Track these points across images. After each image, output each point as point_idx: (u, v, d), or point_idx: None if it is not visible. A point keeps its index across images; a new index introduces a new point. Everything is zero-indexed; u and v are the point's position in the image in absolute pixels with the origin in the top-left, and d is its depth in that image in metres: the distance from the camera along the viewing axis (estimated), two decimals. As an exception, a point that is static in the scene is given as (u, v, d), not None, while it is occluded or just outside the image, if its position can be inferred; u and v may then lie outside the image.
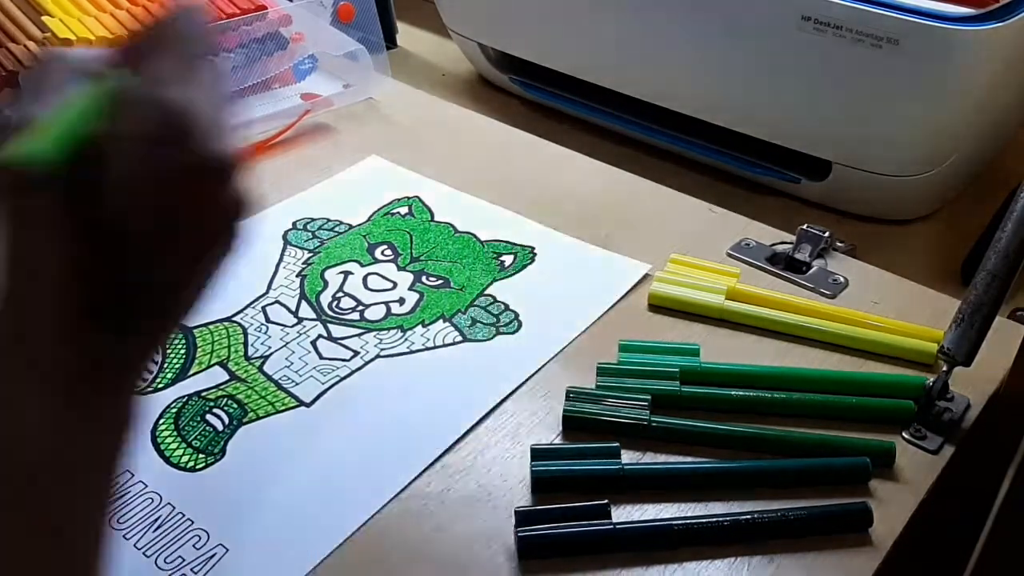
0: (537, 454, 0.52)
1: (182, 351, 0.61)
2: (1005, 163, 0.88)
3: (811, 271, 0.67)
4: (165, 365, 0.60)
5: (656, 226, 0.72)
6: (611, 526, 0.48)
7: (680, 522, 0.48)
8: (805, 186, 0.82)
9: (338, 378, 0.59)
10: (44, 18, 0.80)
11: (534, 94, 0.97)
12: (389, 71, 0.90)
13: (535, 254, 0.68)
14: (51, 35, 0.78)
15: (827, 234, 0.68)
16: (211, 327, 0.63)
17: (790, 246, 0.69)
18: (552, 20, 0.88)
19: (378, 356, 0.60)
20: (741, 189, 0.86)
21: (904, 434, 0.54)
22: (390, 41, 1.05)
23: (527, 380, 0.58)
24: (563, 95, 0.95)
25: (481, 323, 0.62)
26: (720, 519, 0.48)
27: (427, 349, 0.61)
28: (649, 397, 0.54)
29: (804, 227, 0.69)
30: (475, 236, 0.70)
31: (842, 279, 0.66)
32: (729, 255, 0.69)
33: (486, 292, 0.65)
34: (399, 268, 0.68)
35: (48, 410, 0.27)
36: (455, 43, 1.01)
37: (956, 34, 0.67)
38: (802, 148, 0.79)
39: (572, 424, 0.54)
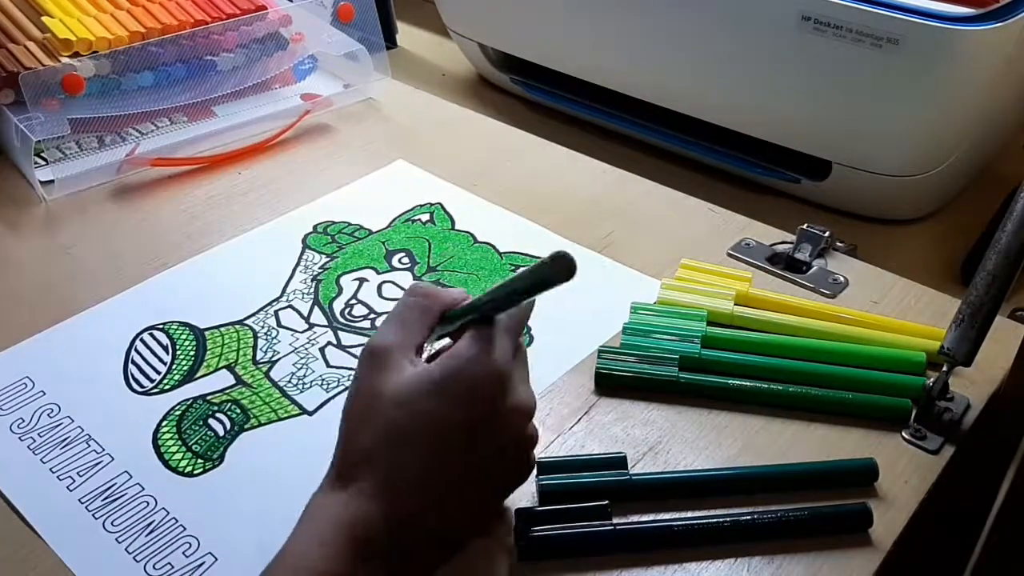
0: (544, 467, 0.51)
1: (192, 353, 0.60)
2: (1005, 163, 0.88)
3: (811, 271, 0.67)
4: (174, 367, 0.59)
5: (657, 226, 0.72)
6: (612, 527, 0.48)
7: (680, 523, 0.48)
8: (805, 186, 0.82)
9: (343, 387, 0.58)
10: (44, 18, 0.80)
11: (534, 94, 0.97)
12: (389, 71, 0.90)
13: None
14: (51, 35, 0.78)
15: (827, 234, 0.68)
16: (222, 330, 0.62)
17: (790, 246, 0.69)
18: (552, 20, 0.88)
19: None
20: (741, 189, 0.86)
21: (904, 434, 0.54)
22: (390, 41, 1.05)
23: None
24: (563, 95, 0.95)
25: None
26: (720, 520, 0.48)
27: None
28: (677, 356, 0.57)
29: (804, 227, 0.69)
30: (494, 247, 0.70)
31: (842, 279, 0.66)
32: (729, 255, 0.69)
33: None
34: (415, 277, 0.67)
35: None
36: (455, 43, 1.01)
37: (956, 34, 0.67)
38: (802, 148, 0.79)
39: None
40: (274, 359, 0.60)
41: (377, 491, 0.41)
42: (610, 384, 0.57)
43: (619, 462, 0.52)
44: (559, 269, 0.40)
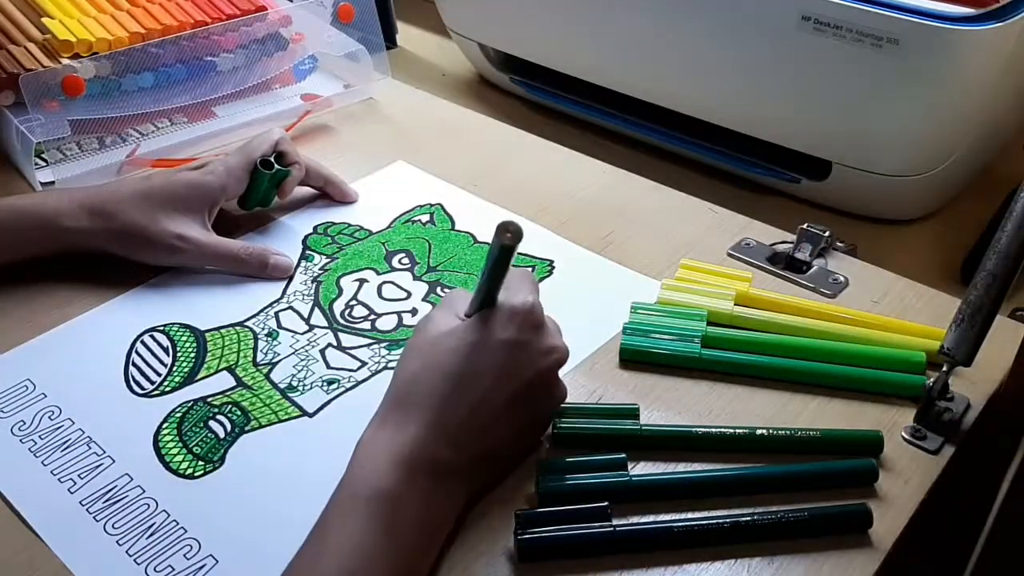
0: (543, 468, 0.51)
1: (192, 355, 0.60)
2: (1005, 163, 0.88)
3: (811, 271, 0.67)
4: (175, 368, 0.59)
5: (657, 226, 0.72)
6: (611, 528, 0.48)
7: (680, 524, 0.48)
8: (805, 186, 0.82)
9: (343, 389, 0.58)
10: (44, 20, 0.80)
11: (534, 94, 0.97)
12: (389, 71, 0.90)
13: (553, 267, 0.68)
14: (51, 37, 0.78)
15: (827, 234, 0.68)
16: (223, 331, 0.62)
17: (790, 246, 0.69)
18: (552, 20, 0.88)
19: (385, 368, 0.59)
20: (741, 189, 0.86)
21: (904, 434, 0.54)
22: (390, 41, 1.05)
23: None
24: (564, 95, 0.95)
25: None
26: (720, 521, 0.48)
27: None
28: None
29: (804, 227, 0.69)
30: None
31: (842, 279, 0.66)
32: (730, 255, 0.69)
33: None
34: (415, 278, 0.67)
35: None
36: (455, 43, 1.01)
37: (956, 34, 0.67)
38: (802, 148, 0.79)
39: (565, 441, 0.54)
40: (274, 361, 0.60)
41: (428, 422, 0.47)
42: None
43: (619, 463, 0.52)
44: (505, 236, 0.46)
